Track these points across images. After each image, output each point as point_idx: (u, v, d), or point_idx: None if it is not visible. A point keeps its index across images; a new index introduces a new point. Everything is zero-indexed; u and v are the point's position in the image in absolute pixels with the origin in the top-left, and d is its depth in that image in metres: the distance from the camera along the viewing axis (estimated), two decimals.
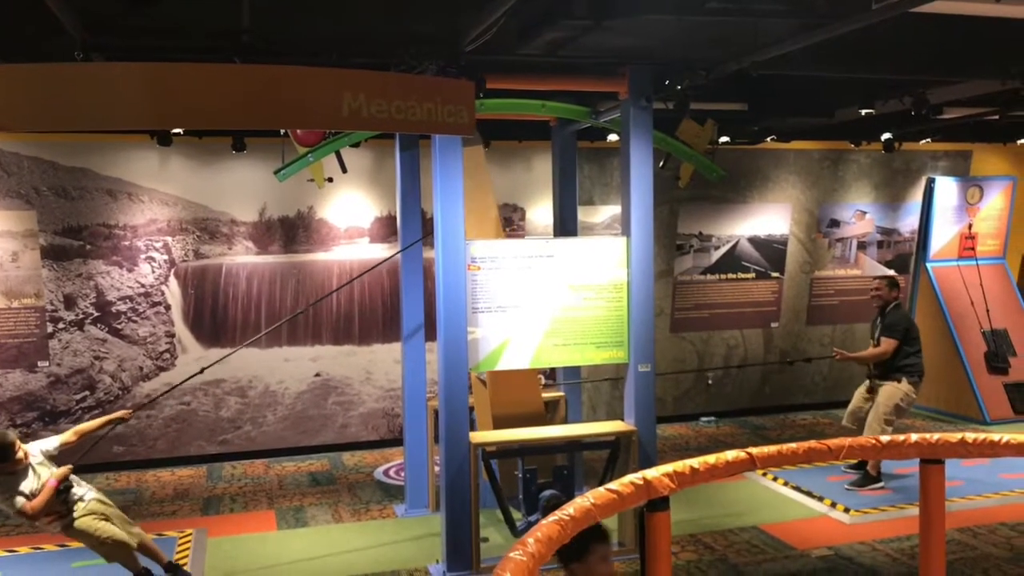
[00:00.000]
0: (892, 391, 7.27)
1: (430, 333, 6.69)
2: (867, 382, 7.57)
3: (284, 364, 9.07)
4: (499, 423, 6.33)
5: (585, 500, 2.65)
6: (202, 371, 6.88)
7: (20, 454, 5.04)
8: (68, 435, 5.40)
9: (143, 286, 8.67)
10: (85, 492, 5.36)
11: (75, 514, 5.24)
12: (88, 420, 6.43)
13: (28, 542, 6.62)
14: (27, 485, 5.06)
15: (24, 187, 8.28)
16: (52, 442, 5.33)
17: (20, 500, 5.01)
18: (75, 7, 4.56)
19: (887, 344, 7.27)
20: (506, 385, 6.40)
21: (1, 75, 4.03)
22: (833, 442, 3.23)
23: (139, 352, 8.71)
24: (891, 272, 10.47)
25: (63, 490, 5.19)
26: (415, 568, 6.00)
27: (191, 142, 8.42)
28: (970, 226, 10.74)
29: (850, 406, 7.71)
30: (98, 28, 4.77)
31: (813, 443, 3.23)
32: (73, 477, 5.32)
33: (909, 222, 11.11)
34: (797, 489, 7.46)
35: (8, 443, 4.99)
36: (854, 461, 7.70)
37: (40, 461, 5.20)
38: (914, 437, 3.30)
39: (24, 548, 6.49)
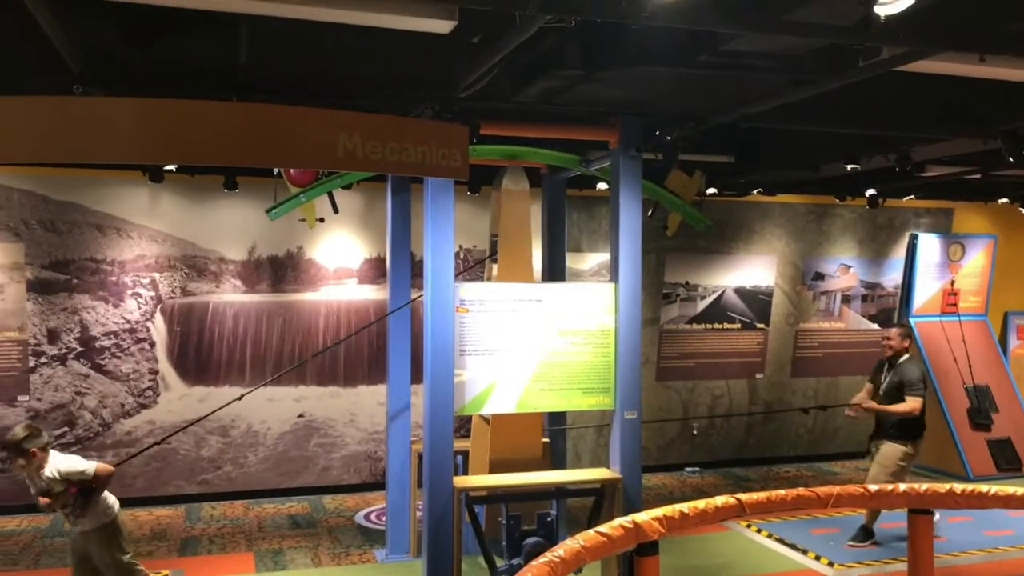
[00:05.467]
0: (892, 451, 6.95)
1: (416, 375, 6.66)
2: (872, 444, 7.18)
3: (267, 404, 8.98)
4: (496, 466, 6.27)
5: (574, 542, 2.63)
6: (241, 397, 7.31)
7: (23, 460, 4.95)
8: (96, 470, 5.14)
9: (128, 322, 8.61)
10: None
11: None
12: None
13: None
14: (33, 486, 5.06)
15: (13, 220, 8.25)
16: (87, 471, 5.11)
17: (34, 490, 5.05)
18: (75, 40, 4.60)
19: (915, 403, 6.85)
20: (510, 427, 6.36)
21: None
22: (822, 490, 3.22)
23: (121, 388, 8.61)
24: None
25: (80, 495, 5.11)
26: None
27: (183, 180, 8.43)
28: (952, 283, 10.86)
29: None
30: (97, 62, 4.81)
31: (802, 491, 3.22)
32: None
33: (892, 277, 11.23)
34: (781, 541, 7.40)
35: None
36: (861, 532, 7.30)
37: (55, 475, 5.02)
38: (903, 487, 3.30)
39: None
